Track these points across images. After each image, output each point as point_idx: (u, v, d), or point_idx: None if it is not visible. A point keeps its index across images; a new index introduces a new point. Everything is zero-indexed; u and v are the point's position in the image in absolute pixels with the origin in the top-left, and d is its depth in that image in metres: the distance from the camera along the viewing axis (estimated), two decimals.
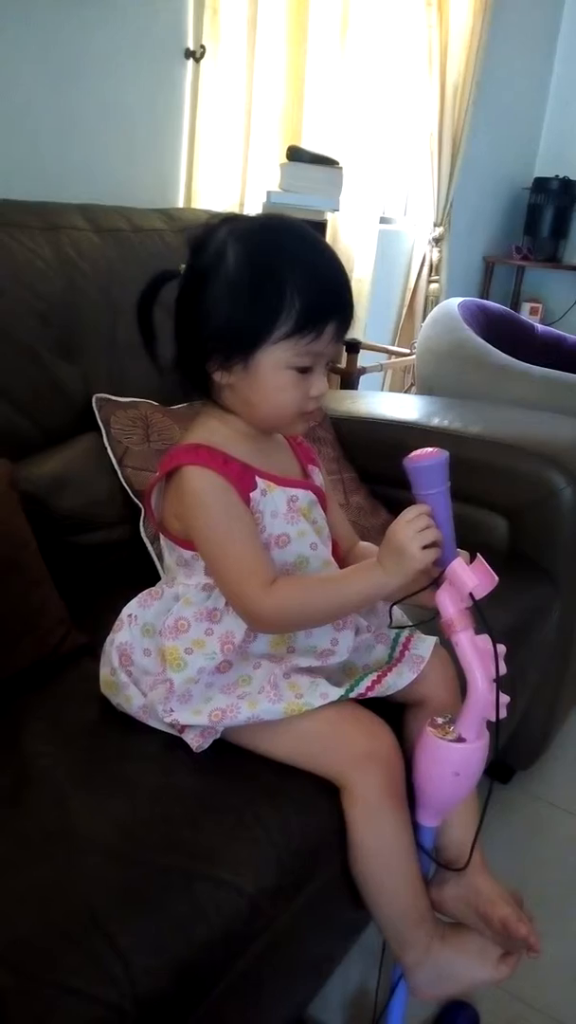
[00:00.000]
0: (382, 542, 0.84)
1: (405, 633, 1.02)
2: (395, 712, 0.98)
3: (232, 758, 0.91)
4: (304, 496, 0.95)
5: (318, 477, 1.01)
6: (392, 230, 3.10)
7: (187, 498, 0.87)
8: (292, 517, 0.93)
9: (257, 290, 0.83)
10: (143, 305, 0.90)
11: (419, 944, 0.91)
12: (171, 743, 0.92)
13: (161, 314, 0.90)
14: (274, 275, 0.83)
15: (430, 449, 0.82)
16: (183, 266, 0.88)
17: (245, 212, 2.13)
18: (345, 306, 0.87)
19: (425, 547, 0.81)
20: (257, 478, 0.90)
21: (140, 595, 0.98)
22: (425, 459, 0.82)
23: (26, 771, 0.88)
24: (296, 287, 0.82)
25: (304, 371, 0.86)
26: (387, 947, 0.95)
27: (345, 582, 0.88)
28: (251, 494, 0.89)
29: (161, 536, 0.95)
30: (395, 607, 0.95)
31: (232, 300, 0.83)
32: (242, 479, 0.88)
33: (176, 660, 0.90)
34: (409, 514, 0.83)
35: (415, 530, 0.81)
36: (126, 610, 0.97)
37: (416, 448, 0.82)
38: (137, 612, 0.96)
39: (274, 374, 0.86)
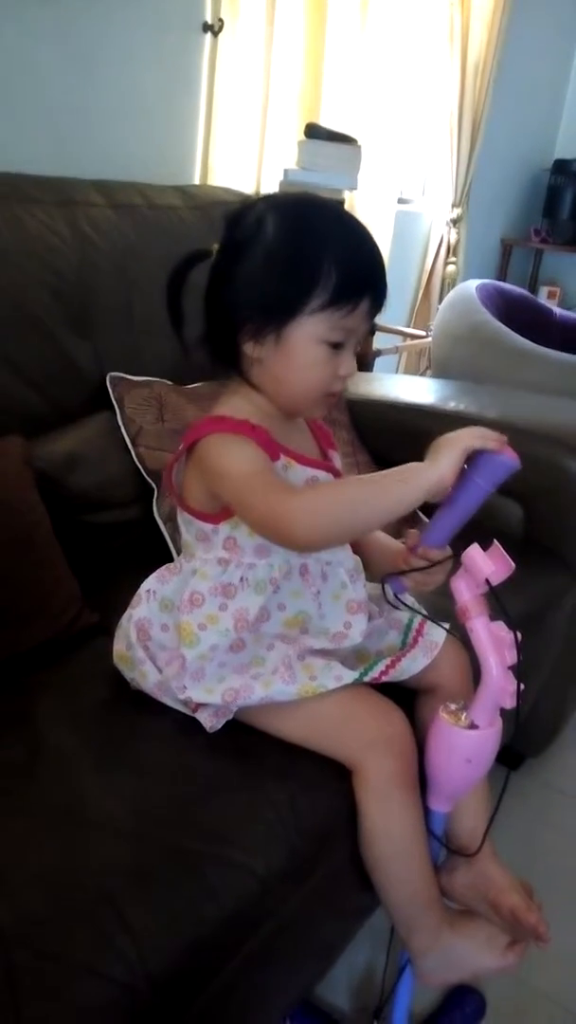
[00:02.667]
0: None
1: (417, 619, 1.01)
2: (407, 698, 0.97)
3: (245, 739, 0.90)
4: (324, 477, 0.94)
5: (337, 460, 1.00)
6: (409, 210, 3.07)
7: (212, 455, 0.86)
8: None
9: (295, 260, 0.82)
10: (173, 284, 0.89)
11: (427, 929, 0.91)
12: (184, 723, 0.92)
13: (187, 295, 0.89)
14: (313, 246, 0.82)
15: (511, 451, 0.80)
16: (216, 245, 0.87)
17: (261, 190, 2.10)
18: (380, 282, 0.86)
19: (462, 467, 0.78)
20: (280, 453, 0.89)
21: (159, 570, 0.97)
22: (500, 454, 0.79)
23: (38, 749, 0.88)
24: (334, 259, 0.82)
25: (335, 347, 0.85)
26: (395, 931, 0.95)
27: (380, 475, 0.83)
28: (275, 463, 0.88)
29: (179, 512, 0.94)
30: (407, 595, 0.94)
31: (269, 269, 0.83)
32: (268, 445, 0.87)
33: (189, 635, 0.89)
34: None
35: (478, 430, 0.79)
36: (145, 585, 0.97)
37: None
38: (156, 587, 0.96)
39: (306, 348, 0.85)
